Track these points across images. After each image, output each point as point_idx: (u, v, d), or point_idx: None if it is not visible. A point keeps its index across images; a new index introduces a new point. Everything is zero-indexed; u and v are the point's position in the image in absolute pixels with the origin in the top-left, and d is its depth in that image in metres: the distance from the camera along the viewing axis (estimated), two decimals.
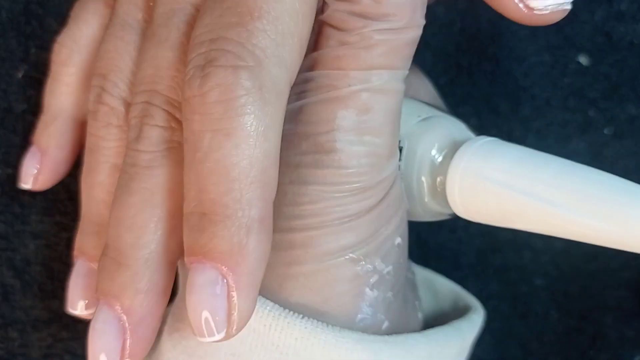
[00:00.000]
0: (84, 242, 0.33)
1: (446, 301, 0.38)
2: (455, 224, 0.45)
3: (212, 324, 0.25)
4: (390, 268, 0.29)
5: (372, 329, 0.29)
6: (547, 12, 0.29)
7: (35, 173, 0.35)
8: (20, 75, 0.42)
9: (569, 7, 0.29)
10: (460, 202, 0.29)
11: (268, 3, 0.25)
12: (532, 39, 0.45)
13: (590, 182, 0.26)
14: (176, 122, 0.28)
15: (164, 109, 0.28)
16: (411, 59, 0.29)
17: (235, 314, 0.25)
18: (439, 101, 0.38)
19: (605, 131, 0.45)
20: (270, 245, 0.26)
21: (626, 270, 0.45)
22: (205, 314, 0.25)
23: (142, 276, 0.28)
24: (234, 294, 0.25)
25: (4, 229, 0.41)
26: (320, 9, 0.28)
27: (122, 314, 0.28)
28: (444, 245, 0.46)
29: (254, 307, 0.26)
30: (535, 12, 0.28)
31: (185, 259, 0.26)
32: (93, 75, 0.31)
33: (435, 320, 0.36)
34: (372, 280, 0.29)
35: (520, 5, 0.28)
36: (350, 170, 0.28)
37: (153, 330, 0.29)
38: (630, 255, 0.46)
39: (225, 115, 0.25)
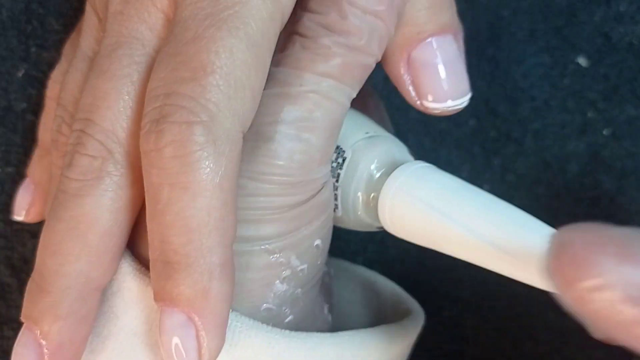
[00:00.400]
0: None
1: (387, 303, 0.39)
2: None
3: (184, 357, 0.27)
4: (304, 266, 0.30)
5: (274, 320, 0.31)
6: (440, 110, 0.32)
7: (28, 205, 0.36)
8: (20, 74, 0.42)
9: (464, 105, 0.32)
10: (389, 218, 0.31)
11: (220, 58, 0.26)
12: (531, 40, 0.45)
13: (505, 216, 0.28)
14: (107, 152, 0.29)
15: (96, 139, 0.29)
16: (361, 84, 0.30)
17: (205, 351, 0.27)
18: (388, 125, 0.39)
19: (604, 132, 0.45)
20: (234, 286, 0.28)
21: None
22: (178, 347, 0.27)
23: (62, 303, 0.29)
24: (203, 333, 0.27)
25: (3, 228, 0.42)
26: (294, 23, 0.30)
27: (41, 339, 0.29)
28: None
29: (223, 342, 0.28)
30: (429, 109, 0.32)
31: (155, 301, 0.28)
32: (57, 105, 0.32)
33: (377, 321, 0.37)
34: (284, 274, 0.30)
35: (417, 102, 0.31)
36: (281, 162, 0.29)
37: (73, 356, 0.30)
38: None
39: (181, 170, 0.26)
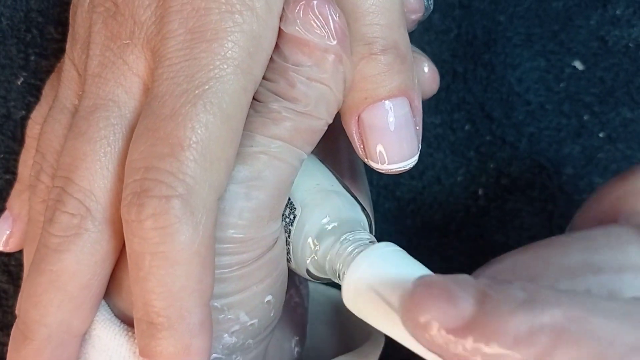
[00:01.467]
0: None
1: (354, 325, 0.40)
2: (447, 229, 0.46)
3: None
4: (255, 321, 0.32)
5: None
6: (384, 171, 0.33)
7: (7, 236, 0.37)
8: (19, 82, 0.42)
9: (409, 167, 0.33)
10: (352, 305, 0.31)
11: (196, 134, 0.28)
12: (527, 44, 0.45)
13: None
14: (86, 210, 0.30)
15: (75, 197, 0.30)
16: (313, 145, 0.32)
17: None
18: (359, 163, 0.39)
19: (600, 135, 0.45)
20: (212, 339, 0.29)
21: None
22: None
23: (45, 350, 0.31)
24: None
25: None
26: None
27: None
28: (435, 250, 0.46)
29: None
30: (374, 168, 0.33)
31: (140, 356, 0.29)
32: (36, 152, 0.34)
33: (347, 344, 0.39)
34: (233, 328, 0.31)
35: (365, 160, 0.33)
36: (231, 220, 0.30)
37: None
38: None
39: (161, 240, 0.28)
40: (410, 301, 0.24)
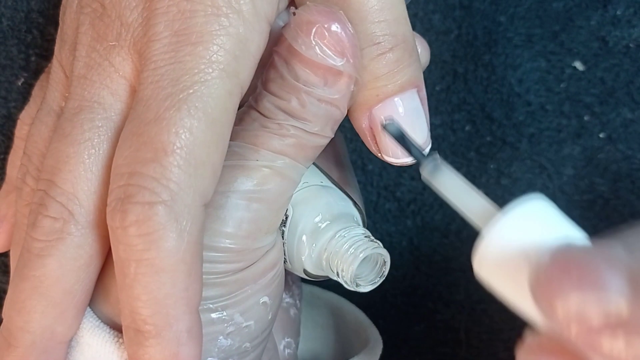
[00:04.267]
0: None
1: (351, 329, 0.41)
2: (448, 229, 0.46)
3: None
4: (251, 323, 0.31)
5: None
6: (399, 164, 0.33)
7: None
8: (20, 82, 0.42)
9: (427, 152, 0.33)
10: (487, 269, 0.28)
11: (180, 139, 0.28)
12: (528, 45, 0.45)
13: None
14: (69, 214, 0.30)
15: (57, 201, 0.30)
16: (312, 161, 0.32)
17: None
18: (346, 159, 0.39)
19: (600, 135, 0.45)
20: (201, 346, 0.29)
21: None
22: None
23: (29, 357, 0.31)
24: None
25: None
26: (254, 98, 0.32)
27: None
28: (436, 250, 0.46)
29: None
30: (389, 162, 0.33)
31: None
32: (23, 154, 0.34)
33: (342, 346, 0.39)
34: (228, 330, 0.31)
35: (378, 154, 0.33)
36: (229, 230, 0.30)
37: None
38: None
39: (145, 247, 0.27)
40: (544, 280, 0.20)
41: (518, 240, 0.25)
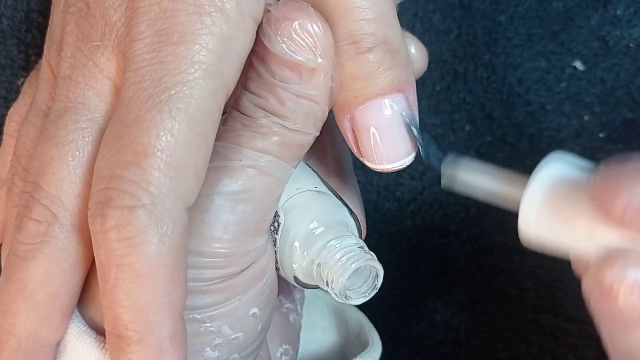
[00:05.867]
0: None
1: (353, 331, 0.40)
2: (448, 229, 0.46)
3: None
4: (239, 335, 0.31)
5: None
6: (380, 170, 0.32)
7: None
8: (20, 82, 0.42)
9: (404, 166, 0.32)
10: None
11: (161, 141, 0.27)
12: (528, 45, 0.45)
13: None
14: (53, 217, 0.30)
15: (42, 204, 0.30)
16: (299, 159, 0.32)
17: None
18: (347, 157, 0.39)
19: (600, 135, 0.45)
20: (185, 353, 0.28)
21: None
22: None
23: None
24: None
25: None
26: (235, 98, 0.31)
27: None
28: (435, 250, 0.46)
29: None
30: (370, 167, 0.32)
31: None
32: (13, 154, 0.33)
33: (343, 347, 0.39)
34: (216, 342, 0.31)
35: (360, 158, 0.32)
36: (215, 234, 0.30)
37: None
38: None
39: (125, 252, 0.27)
40: (603, 183, 0.23)
41: (559, 183, 0.28)
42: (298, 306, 0.38)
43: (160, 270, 0.27)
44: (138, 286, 0.27)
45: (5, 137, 0.37)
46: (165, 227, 0.27)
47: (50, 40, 0.33)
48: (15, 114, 0.37)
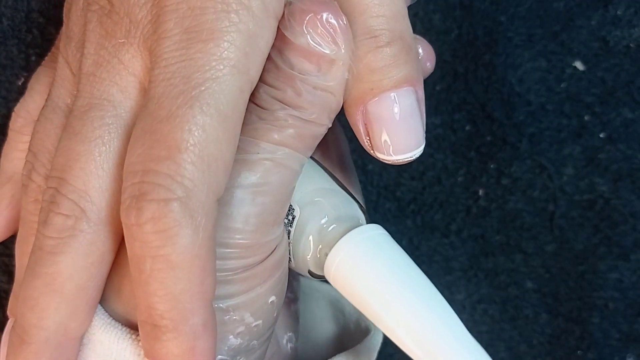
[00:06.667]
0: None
1: (351, 320, 0.41)
2: (448, 229, 0.46)
3: None
4: (259, 322, 0.32)
5: None
6: (391, 162, 0.33)
7: None
8: (20, 82, 0.42)
9: (415, 157, 0.33)
10: (333, 279, 0.32)
11: (193, 136, 0.28)
12: (528, 45, 0.45)
13: (425, 326, 0.30)
14: (80, 211, 0.30)
15: (69, 198, 0.30)
16: (313, 150, 0.32)
17: None
18: (348, 159, 0.40)
19: (601, 135, 0.45)
20: (216, 339, 0.29)
21: (614, 271, 0.45)
22: None
23: (43, 354, 0.31)
24: None
25: None
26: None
27: None
28: (436, 250, 0.46)
29: None
30: (380, 159, 0.33)
31: (146, 357, 0.30)
32: (28, 150, 0.34)
33: (342, 337, 0.40)
34: (238, 330, 0.31)
35: (371, 151, 0.32)
36: (237, 226, 0.30)
37: None
38: (619, 255, 0.46)
39: (161, 243, 0.27)
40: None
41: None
42: (297, 295, 0.39)
43: (195, 260, 0.28)
44: (173, 276, 0.28)
45: (11, 133, 0.37)
46: (199, 218, 0.28)
47: (67, 38, 0.33)
48: (22, 109, 0.37)
